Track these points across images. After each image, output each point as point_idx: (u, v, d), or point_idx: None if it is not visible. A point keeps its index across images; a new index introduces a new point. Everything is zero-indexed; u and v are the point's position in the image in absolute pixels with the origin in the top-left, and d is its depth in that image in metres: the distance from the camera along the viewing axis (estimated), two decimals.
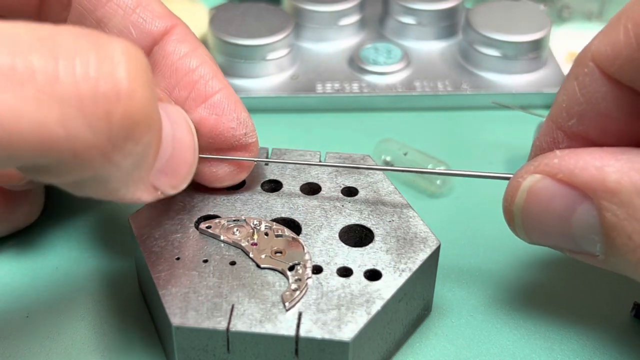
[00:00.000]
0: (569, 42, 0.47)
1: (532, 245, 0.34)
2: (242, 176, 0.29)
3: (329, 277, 0.26)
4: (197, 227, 0.28)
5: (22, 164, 0.20)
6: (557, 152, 0.25)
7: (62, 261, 0.32)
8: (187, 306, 0.25)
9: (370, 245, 0.28)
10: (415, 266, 0.27)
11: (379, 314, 0.25)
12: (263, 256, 0.27)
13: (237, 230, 0.28)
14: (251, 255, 0.27)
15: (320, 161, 0.31)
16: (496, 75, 0.43)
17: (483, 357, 0.29)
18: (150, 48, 0.29)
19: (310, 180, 0.31)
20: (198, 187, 0.30)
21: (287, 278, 0.26)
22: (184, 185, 0.26)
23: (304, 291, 0.26)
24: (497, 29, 0.42)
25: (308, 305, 0.25)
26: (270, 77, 0.42)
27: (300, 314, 0.25)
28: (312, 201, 0.30)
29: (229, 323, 0.25)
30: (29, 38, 0.19)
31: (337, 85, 0.42)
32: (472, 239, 0.34)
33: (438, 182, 0.36)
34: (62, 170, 0.20)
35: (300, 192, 0.30)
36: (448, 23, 0.45)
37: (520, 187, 0.26)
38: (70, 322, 0.30)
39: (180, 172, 0.25)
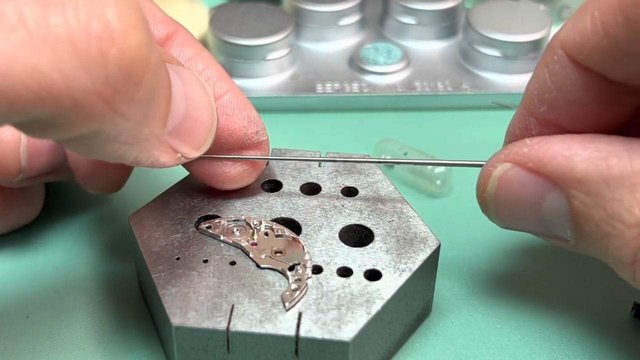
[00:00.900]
0: None
1: (533, 245, 0.34)
2: (255, 175, 0.29)
3: (329, 277, 0.26)
4: (197, 227, 0.28)
5: (24, 116, 0.20)
6: (527, 140, 0.26)
7: (62, 261, 0.32)
8: (187, 306, 0.25)
9: (370, 245, 0.28)
10: (415, 266, 0.27)
11: (379, 314, 0.25)
12: (263, 256, 0.27)
13: (237, 230, 0.28)
14: (251, 255, 0.27)
15: (320, 162, 0.31)
16: (496, 75, 0.43)
17: (483, 357, 0.29)
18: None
19: (310, 180, 0.31)
20: (198, 187, 0.30)
21: (287, 278, 0.26)
22: (204, 148, 0.26)
23: (304, 291, 0.26)
24: (497, 29, 0.42)
25: (308, 305, 0.25)
26: (270, 77, 0.42)
27: (300, 314, 0.25)
28: (312, 201, 0.30)
29: (229, 323, 0.25)
30: None
31: (337, 85, 0.42)
32: (472, 239, 0.34)
33: (438, 182, 0.36)
34: (66, 123, 0.20)
35: (300, 192, 0.30)
36: (448, 23, 0.45)
37: (492, 176, 0.26)
38: (70, 322, 0.30)
39: (197, 132, 0.25)
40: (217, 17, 0.43)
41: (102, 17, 0.20)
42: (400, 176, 0.37)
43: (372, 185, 0.30)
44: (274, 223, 0.28)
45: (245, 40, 0.41)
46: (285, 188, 0.30)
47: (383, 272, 0.27)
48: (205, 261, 0.27)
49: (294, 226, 0.29)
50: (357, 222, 0.29)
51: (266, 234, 0.28)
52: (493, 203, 0.27)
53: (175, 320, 0.25)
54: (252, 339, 0.25)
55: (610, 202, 0.23)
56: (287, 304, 0.25)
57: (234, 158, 0.29)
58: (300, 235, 0.28)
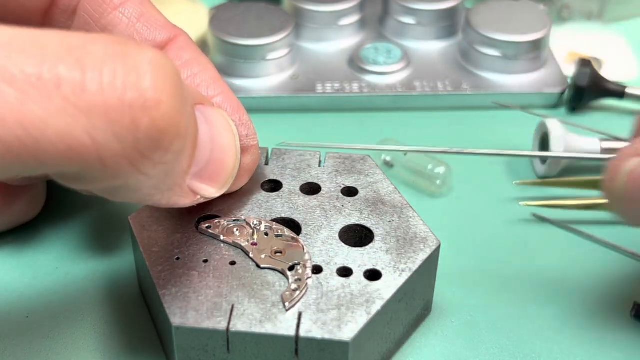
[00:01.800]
0: (569, 42, 0.47)
1: (533, 244, 0.34)
2: (244, 180, 0.29)
3: (329, 277, 0.26)
4: (197, 227, 0.28)
5: (52, 171, 0.20)
6: None
7: (62, 261, 0.32)
8: (187, 306, 0.25)
9: (370, 245, 0.28)
10: (415, 266, 0.27)
11: (379, 314, 0.25)
12: (263, 256, 0.27)
13: (237, 230, 0.28)
14: (251, 255, 0.27)
15: (319, 162, 0.31)
16: (496, 75, 0.43)
17: (483, 357, 0.29)
18: None
19: (310, 180, 0.31)
20: None
21: (287, 278, 0.26)
22: (224, 189, 0.26)
23: (304, 291, 0.26)
24: (497, 29, 0.42)
25: (308, 305, 0.25)
26: (270, 77, 0.42)
27: (300, 314, 0.25)
28: (312, 201, 0.30)
29: (229, 323, 0.25)
30: (57, 47, 0.19)
31: (337, 85, 0.42)
32: (472, 239, 0.34)
33: (438, 182, 0.36)
34: (92, 178, 0.21)
35: (300, 192, 0.30)
36: (448, 23, 0.45)
37: (621, 171, 0.26)
38: (70, 322, 0.30)
39: (220, 176, 0.26)
40: (217, 17, 0.43)
41: (137, 86, 0.20)
42: (400, 176, 0.37)
43: (372, 185, 0.30)
44: (274, 223, 0.28)
45: (245, 40, 0.41)
46: (285, 188, 0.30)
47: (383, 272, 0.27)
48: (205, 261, 0.27)
49: (294, 226, 0.29)
50: (357, 222, 0.29)
51: (266, 234, 0.28)
52: (623, 198, 0.26)
53: (175, 320, 0.25)
54: (252, 339, 0.25)
55: None
56: (287, 304, 0.25)
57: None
58: (300, 235, 0.28)
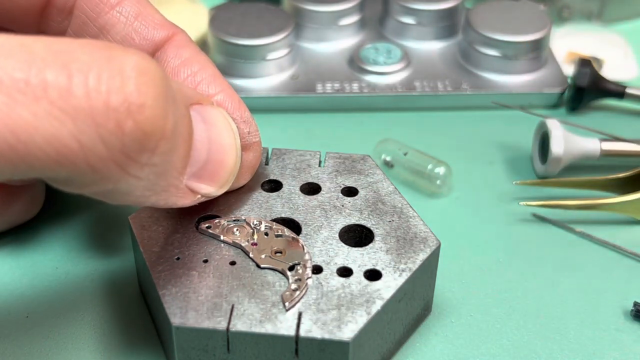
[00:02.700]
0: (569, 42, 0.47)
1: (533, 244, 0.34)
2: (246, 178, 0.29)
3: (329, 277, 0.26)
4: (197, 227, 0.28)
5: (42, 175, 0.20)
6: None
7: (62, 261, 0.32)
8: (187, 306, 0.25)
9: (370, 245, 0.28)
10: (415, 266, 0.27)
11: (379, 314, 0.25)
12: (263, 256, 0.27)
13: (237, 230, 0.28)
14: (251, 255, 0.27)
15: (319, 162, 0.31)
16: (496, 75, 0.43)
17: (483, 357, 0.29)
18: (152, 54, 0.29)
19: (310, 180, 0.31)
20: None
21: (287, 278, 0.26)
22: (225, 188, 0.27)
23: (304, 291, 0.26)
24: (497, 29, 0.42)
25: (308, 305, 0.25)
26: (270, 77, 0.42)
27: (300, 314, 0.25)
28: (312, 201, 0.30)
29: (229, 323, 0.25)
30: (44, 52, 0.20)
31: (337, 85, 0.42)
32: (472, 239, 0.34)
33: (438, 182, 0.36)
34: (83, 182, 0.21)
35: (300, 192, 0.30)
36: (448, 23, 0.45)
37: None
38: (70, 322, 0.30)
39: (220, 175, 0.26)
40: (217, 17, 0.43)
41: (121, 90, 0.20)
42: (400, 176, 0.37)
43: (372, 185, 0.30)
44: (274, 223, 0.28)
45: (245, 40, 0.41)
46: (285, 188, 0.30)
47: (383, 272, 0.27)
48: (205, 261, 0.27)
49: (294, 226, 0.29)
50: (357, 222, 0.29)
51: (266, 233, 0.28)
52: None
53: (175, 320, 0.25)
54: (252, 339, 0.25)
55: None
56: (287, 304, 0.25)
57: None
58: (300, 235, 0.28)
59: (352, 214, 0.29)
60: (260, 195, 0.30)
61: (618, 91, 0.41)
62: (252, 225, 0.28)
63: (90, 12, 0.29)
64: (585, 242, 0.34)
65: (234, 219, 0.29)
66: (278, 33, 0.42)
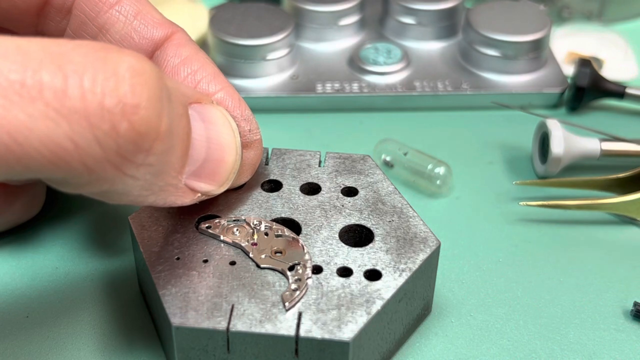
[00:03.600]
0: (569, 42, 0.47)
1: (533, 244, 0.34)
2: (247, 176, 0.29)
3: (329, 277, 0.26)
4: (197, 227, 0.28)
5: (39, 176, 0.20)
6: None
7: (62, 261, 0.32)
8: (187, 306, 0.25)
9: (370, 245, 0.28)
10: (415, 266, 0.27)
11: (379, 314, 0.25)
12: (263, 256, 0.27)
13: (237, 230, 0.28)
14: (251, 255, 0.27)
15: (319, 162, 0.31)
16: (496, 75, 0.43)
17: (483, 357, 0.29)
18: (152, 53, 0.29)
19: (310, 180, 0.31)
20: None
21: (287, 278, 0.26)
22: (226, 186, 0.27)
23: (304, 291, 0.26)
24: (497, 29, 0.42)
25: (308, 305, 0.25)
26: (270, 77, 0.42)
27: (300, 314, 0.25)
28: (312, 201, 0.30)
29: (229, 323, 0.25)
30: (40, 53, 0.20)
31: (337, 85, 0.42)
32: (472, 239, 0.34)
33: (438, 182, 0.36)
34: (79, 183, 0.21)
35: (300, 192, 0.30)
36: (448, 23, 0.45)
37: None
38: (70, 322, 0.30)
39: (219, 173, 0.26)
40: (217, 17, 0.43)
41: (116, 92, 0.20)
42: (400, 176, 0.37)
43: (372, 185, 0.30)
44: (274, 223, 0.28)
45: (245, 40, 0.41)
46: (285, 188, 0.30)
47: (383, 272, 0.27)
48: (205, 261, 0.27)
49: (294, 226, 0.29)
50: (357, 222, 0.29)
51: (266, 233, 0.28)
52: None
53: (175, 320, 0.25)
54: (252, 339, 0.25)
55: None
56: (287, 304, 0.25)
57: None
58: (300, 235, 0.28)
59: (352, 214, 0.29)
60: (260, 195, 0.30)
61: (618, 91, 0.41)
62: (252, 225, 0.28)
63: (89, 12, 0.28)
64: (586, 242, 0.34)
65: (234, 219, 0.29)
66: (278, 33, 0.42)
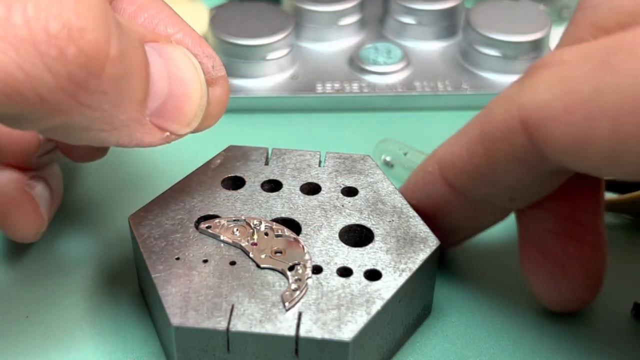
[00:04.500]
0: None
1: None
2: (215, 115, 0.28)
3: (329, 277, 0.26)
4: (197, 227, 0.28)
5: None
6: None
7: (62, 261, 0.32)
8: (187, 306, 0.25)
9: (370, 245, 0.28)
10: (415, 266, 0.27)
11: (379, 314, 0.25)
12: (263, 256, 0.27)
13: (237, 230, 0.28)
14: (251, 255, 0.27)
15: (319, 162, 0.31)
16: (496, 75, 0.43)
17: (483, 357, 0.29)
18: (109, 2, 0.28)
19: (310, 180, 0.31)
20: (198, 187, 0.30)
21: (287, 278, 0.26)
22: (194, 124, 0.26)
23: (304, 291, 0.26)
24: (497, 29, 0.42)
25: (308, 305, 0.25)
26: (270, 77, 0.42)
27: (300, 314, 0.25)
28: (312, 201, 0.30)
29: (229, 323, 0.25)
30: None
31: (337, 85, 0.42)
32: (472, 239, 0.34)
33: None
34: (35, 117, 0.21)
35: (300, 192, 0.30)
36: (448, 23, 0.45)
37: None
38: (70, 322, 0.30)
39: (185, 109, 0.25)
40: (217, 17, 0.43)
41: (60, 17, 0.20)
42: (400, 176, 0.37)
43: (372, 185, 0.30)
44: (274, 223, 0.28)
45: (245, 40, 0.41)
46: (285, 188, 0.30)
47: (383, 272, 0.27)
48: (205, 261, 0.27)
49: (294, 226, 0.29)
50: (357, 222, 0.29)
51: (266, 233, 0.28)
52: None
53: (175, 320, 0.25)
54: (252, 339, 0.25)
55: None
56: (287, 304, 0.25)
57: None
58: (300, 235, 0.28)
59: (352, 214, 0.29)
60: (260, 195, 0.30)
61: None
62: (252, 225, 0.28)
63: None
64: None
65: (234, 218, 0.29)
66: (278, 33, 0.42)
